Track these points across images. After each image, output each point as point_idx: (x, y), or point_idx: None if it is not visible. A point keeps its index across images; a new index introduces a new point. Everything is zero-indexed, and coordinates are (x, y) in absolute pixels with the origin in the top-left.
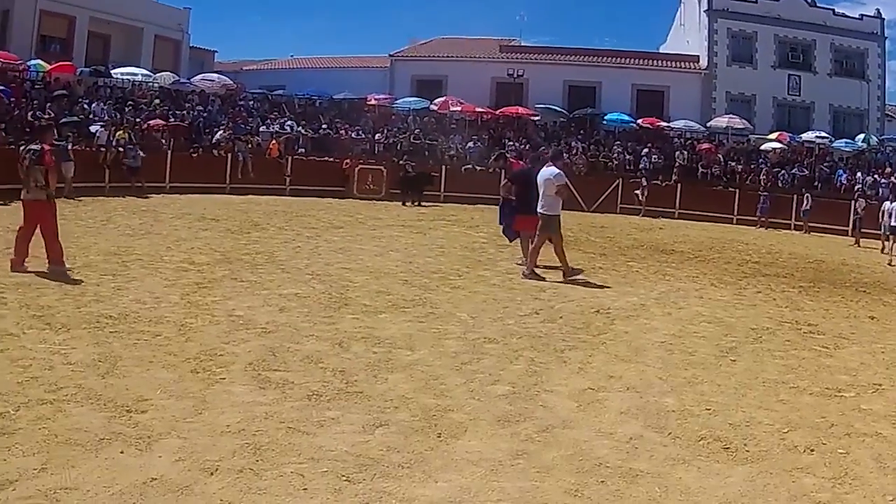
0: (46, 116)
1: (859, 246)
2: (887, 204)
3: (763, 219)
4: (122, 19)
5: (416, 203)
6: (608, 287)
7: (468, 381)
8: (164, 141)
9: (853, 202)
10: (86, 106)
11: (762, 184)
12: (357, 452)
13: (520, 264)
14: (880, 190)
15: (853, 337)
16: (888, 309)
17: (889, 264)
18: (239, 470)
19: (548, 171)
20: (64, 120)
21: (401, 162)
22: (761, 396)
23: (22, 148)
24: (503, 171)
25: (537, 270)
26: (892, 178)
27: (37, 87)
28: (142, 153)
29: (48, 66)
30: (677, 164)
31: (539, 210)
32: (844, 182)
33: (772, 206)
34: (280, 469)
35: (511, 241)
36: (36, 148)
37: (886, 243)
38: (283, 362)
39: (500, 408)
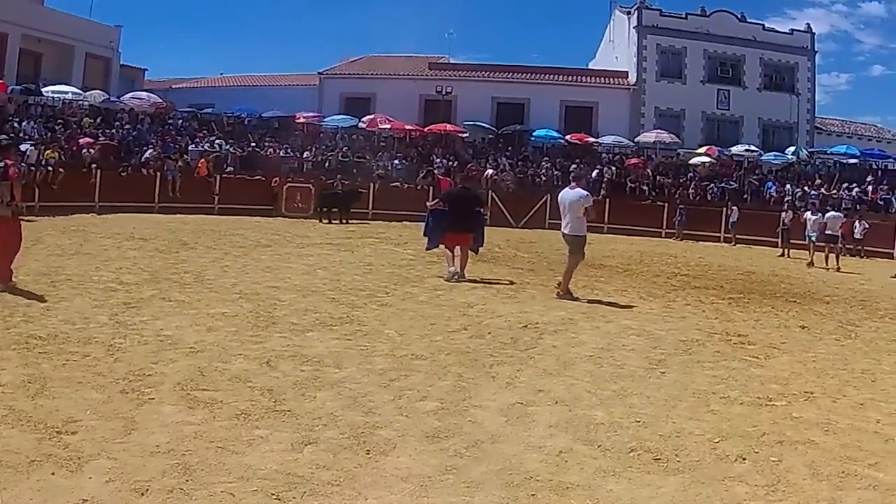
0: (6, 136)
1: (788, 257)
2: (808, 215)
3: (680, 231)
4: (54, 37)
5: (343, 221)
6: (536, 302)
7: (396, 398)
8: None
9: (781, 214)
10: (16, 125)
11: (687, 197)
12: (286, 471)
13: (447, 279)
14: (809, 202)
15: (784, 346)
16: (819, 318)
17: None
18: (169, 490)
19: (574, 193)
20: None
21: (333, 181)
22: (691, 407)
23: None
24: (431, 187)
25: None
26: (822, 190)
27: None
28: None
29: None
30: (605, 179)
31: (566, 232)
32: (774, 194)
33: (689, 219)
34: (210, 489)
35: (428, 249)
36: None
37: (818, 253)
38: (212, 382)
39: (429, 424)
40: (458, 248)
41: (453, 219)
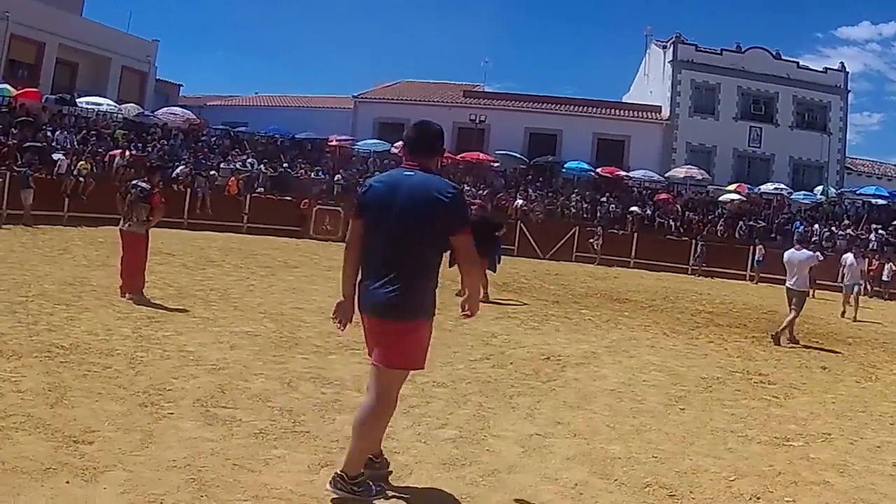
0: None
1: (813, 297)
2: (850, 258)
3: (697, 266)
4: (91, 48)
5: None
6: (560, 334)
7: (415, 424)
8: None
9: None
10: (49, 133)
11: (714, 234)
12: (302, 492)
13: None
14: (837, 242)
15: (804, 387)
16: (840, 360)
17: (847, 317)
18: None
19: (803, 254)
20: (27, 144)
21: None
22: (709, 445)
23: (132, 182)
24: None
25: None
26: (849, 231)
27: (2, 111)
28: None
29: (14, 92)
30: (634, 213)
31: (793, 287)
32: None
33: (714, 255)
34: None
35: (451, 266)
36: (144, 186)
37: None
38: (232, 399)
39: (446, 451)
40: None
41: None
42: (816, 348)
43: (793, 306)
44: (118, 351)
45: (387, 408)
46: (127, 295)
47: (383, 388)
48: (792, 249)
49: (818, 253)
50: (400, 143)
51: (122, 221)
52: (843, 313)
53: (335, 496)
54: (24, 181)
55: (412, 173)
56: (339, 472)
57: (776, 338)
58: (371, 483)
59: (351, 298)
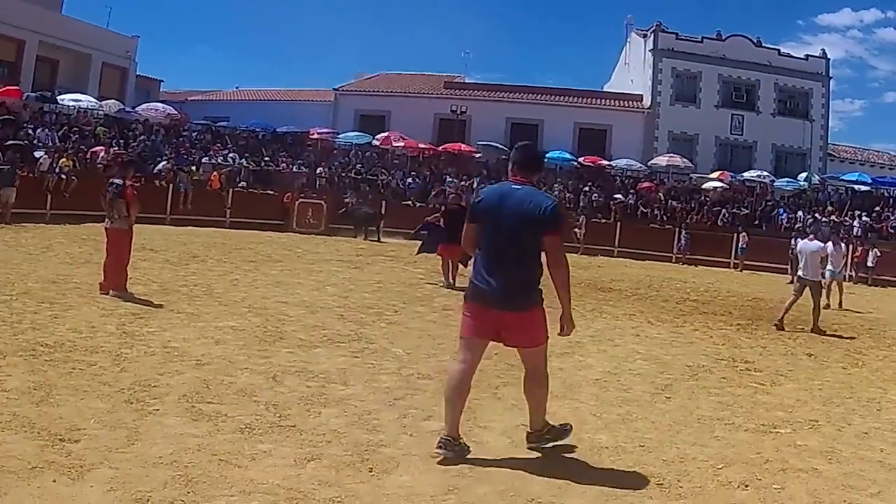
0: (127, 153)
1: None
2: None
3: (682, 255)
4: (72, 45)
5: (375, 239)
6: None
7: (401, 417)
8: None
9: (791, 241)
10: (31, 131)
11: (697, 222)
12: (288, 486)
13: (440, 285)
14: (821, 228)
15: (790, 374)
16: (826, 346)
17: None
18: (170, 501)
19: (815, 244)
20: (9, 142)
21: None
22: (696, 433)
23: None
24: (443, 206)
25: None
26: (832, 217)
27: None
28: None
29: None
30: (617, 202)
31: (806, 276)
32: (785, 221)
33: (698, 244)
34: (211, 501)
35: (417, 254)
36: (118, 182)
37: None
38: (217, 395)
39: (433, 443)
40: (451, 258)
41: (450, 233)
42: (802, 335)
43: (812, 294)
44: (103, 348)
45: (546, 377)
46: (111, 292)
47: (534, 360)
48: (805, 240)
49: (830, 244)
50: (382, 134)
51: (105, 219)
52: (827, 305)
53: (324, 490)
54: (7, 179)
55: (519, 187)
56: (529, 431)
57: (780, 324)
58: (555, 426)
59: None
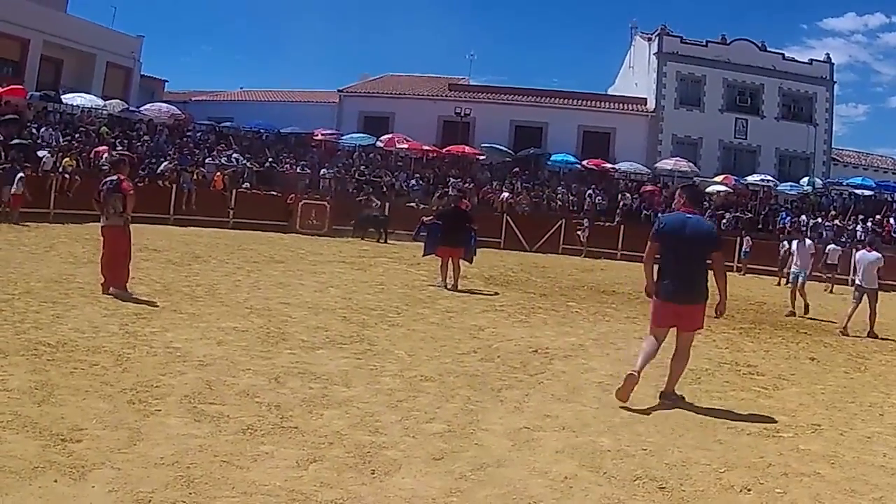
0: (119, 152)
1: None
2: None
3: None
4: (76, 44)
5: (382, 240)
6: (547, 327)
7: (403, 419)
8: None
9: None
10: (34, 130)
11: None
12: (290, 487)
13: (438, 286)
14: (824, 233)
15: (793, 378)
16: (828, 350)
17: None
18: (172, 502)
19: (873, 256)
20: (13, 142)
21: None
22: (698, 437)
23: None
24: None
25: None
26: (836, 222)
27: None
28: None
29: None
30: (621, 205)
31: (865, 285)
32: (788, 225)
33: None
34: (213, 502)
35: (424, 256)
36: (113, 178)
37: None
38: (219, 396)
39: (435, 445)
40: (451, 260)
41: (447, 234)
42: (805, 339)
43: (870, 301)
44: (105, 348)
45: (689, 355)
46: (111, 289)
47: (688, 342)
48: (863, 251)
49: (882, 257)
50: (385, 136)
51: (101, 218)
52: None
53: (326, 492)
54: (8, 177)
55: (692, 216)
56: (663, 391)
57: (844, 331)
58: (677, 395)
59: (653, 286)
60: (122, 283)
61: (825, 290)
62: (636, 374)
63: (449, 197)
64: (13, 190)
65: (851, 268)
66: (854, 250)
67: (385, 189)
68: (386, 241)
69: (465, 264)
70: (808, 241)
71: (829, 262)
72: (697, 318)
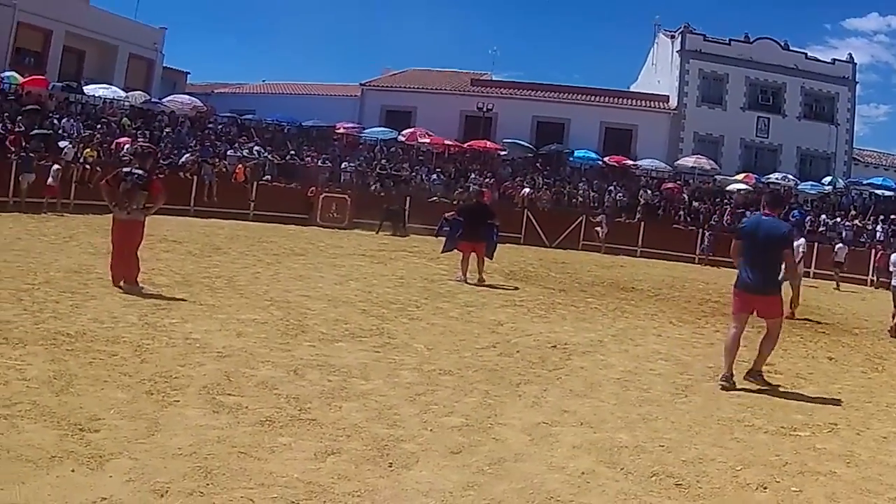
0: (148, 144)
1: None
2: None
3: (704, 256)
4: (99, 36)
5: (402, 234)
6: (566, 322)
7: (422, 412)
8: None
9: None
10: (56, 121)
11: (721, 223)
12: (308, 479)
13: (457, 281)
14: (844, 232)
15: (810, 377)
16: (846, 350)
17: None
18: (189, 493)
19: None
20: (34, 132)
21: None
22: (715, 434)
23: (126, 170)
24: (459, 202)
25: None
26: (856, 222)
27: (9, 98)
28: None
29: (21, 79)
30: (641, 202)
31: None
32: (808, 225)
33: (719, 245)
34: (230, 493)
35: (443, 252)
36: (141, 173)
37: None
38: (238, 387)
39: (453, 439)
40: (473, 254)
41: (468, 229)
42: (824, 338)
43: None
44: (124, 338)
45: (777, 338)
46: (122, 284)
47: (774, 327)
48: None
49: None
50: (407, 130)
51: (118, 209)
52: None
53: (343, 484)
54: (26, 165)
55: (770, 218)
56: (750, 369)
57: (892, 331)
58: (763, 376)
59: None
60: (134, 277)
61: (835, 289)
62: (730, 376)
63: (470, 192)
64: (49, 181)
65: (871, 268)
66: (874, 251)
67: (405, 183)
68: (404, 235)
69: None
70: (801, 240)
71: (836, 259)
72: (774, 306)
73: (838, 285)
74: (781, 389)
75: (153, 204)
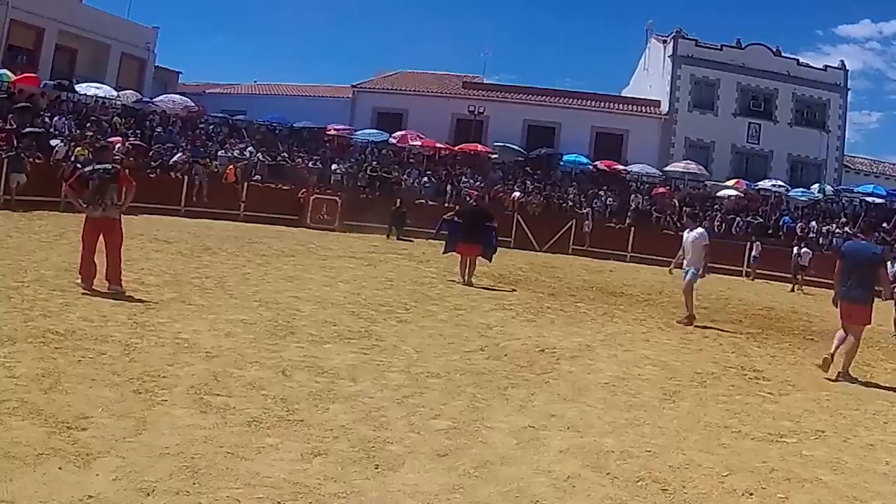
0: (101, 138)
1: (802, 292)
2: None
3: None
4: (91, 34)
5: (398, 237)
6: (555, 327)
7: (409, 415)
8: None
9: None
10: (47, 119)
11: (711, 229)
12: (294, 480)
13: (455, 282)
14: (834, 240)
15: (798, 384)
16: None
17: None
18: (175, 492)
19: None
20: (26, 130)
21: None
22: (702, 440)
23: (88, 169)
24: (457, 205)
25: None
26: (846, 229)
27: (1, 96)
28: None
29: (13, 77)
30: (632, 207)
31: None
32: (798, 230)
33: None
34: (216, 493)
35: (444, 254)
36: (105, 167)
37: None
38: (226, 387)
39: (440, 442)
40: (468, 257)
41: (465, 231)
42: (812, 345)
43: None
44: (113, 337)
45: (858, 344)
46: (110, 287)
47: (858, 335)
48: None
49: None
50: (399, 132)
51: (90, 209)
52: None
53: (330, 485)
54: (15, 165)
55: (865, 242)
56: (840, 372)
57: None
58: (851, 374)
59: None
60: (119, 278)
61: (790, 291)
62: (830, 356)
63: (473, 197)
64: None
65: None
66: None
67: (395, 185)
68: (398, 238)
69: (480, 261)
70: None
71: (800, 263)
72: (861, 315)
73: (799, 288)
74: (769, 396)
75: (125, 197)
